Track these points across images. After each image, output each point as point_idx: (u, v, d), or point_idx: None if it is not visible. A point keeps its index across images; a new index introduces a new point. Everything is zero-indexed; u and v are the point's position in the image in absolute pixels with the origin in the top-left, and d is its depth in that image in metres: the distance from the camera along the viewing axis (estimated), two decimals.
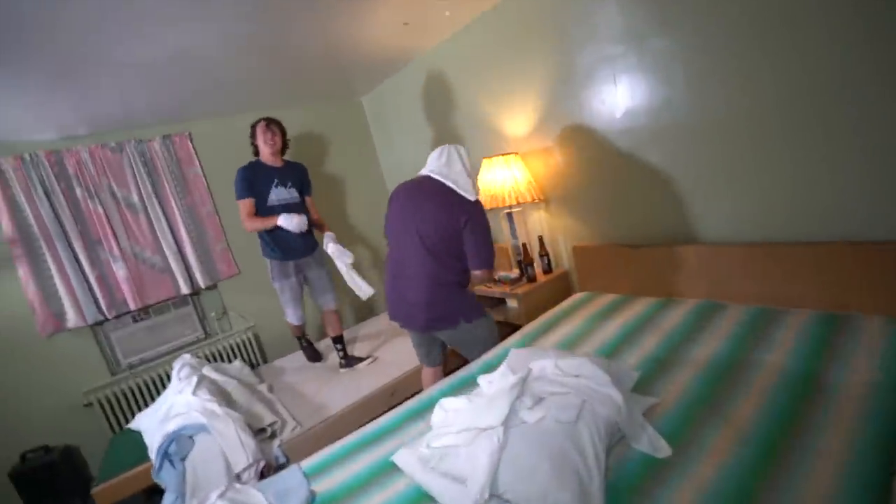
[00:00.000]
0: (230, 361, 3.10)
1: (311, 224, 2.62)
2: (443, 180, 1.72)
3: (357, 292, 2.46)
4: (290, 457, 1.98)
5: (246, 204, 2.45)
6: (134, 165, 2.84)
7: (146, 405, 2.81)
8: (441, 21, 2.46)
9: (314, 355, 2.87)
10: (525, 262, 2.42)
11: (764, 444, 1.06)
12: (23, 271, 2.55)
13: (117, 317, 2.86)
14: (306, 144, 3.54)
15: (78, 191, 2.70)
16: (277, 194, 2.52)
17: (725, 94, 1.68)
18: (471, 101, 2.79)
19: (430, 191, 1.74)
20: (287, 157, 2.71)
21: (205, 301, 3.17)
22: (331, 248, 2.52)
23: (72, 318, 2.67)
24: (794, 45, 1.48)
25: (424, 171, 1.80)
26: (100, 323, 2.82)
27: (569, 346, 1.81)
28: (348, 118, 3.80)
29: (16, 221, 2.55)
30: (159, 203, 2.92)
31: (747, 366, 1.37)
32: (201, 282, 3.03)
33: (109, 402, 2.75)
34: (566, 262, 2.57)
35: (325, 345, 3.09)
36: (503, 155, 2.39)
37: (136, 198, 2.86)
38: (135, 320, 2.95)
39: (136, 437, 2.22)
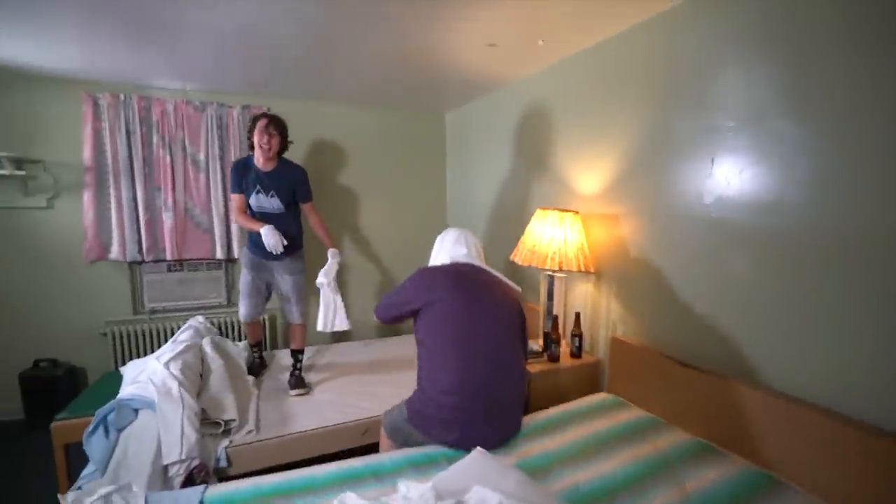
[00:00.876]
0: (240, 336, 3.10)
1: (293, 236, 2.44)
2: (491, 271, 1.77)
3: (325, 322, 2.42)
4: (232, 462, 1.84)
5: (235, 199, 2.43)
6: (209, 126, 2.95)
7: (153, 350, 2.88)
8: (534, 50, 2.23)
9: (253, 371, 2.56)
10: (553, 338, 2.08)
11: None
12: (87, 198, 2.73)
13: (155, 262, 2.97)
14: (377, 145, 3.49)
15: (155, 137, 2.85)
16: (257, 201, 2.38)
17: (861, 206, 1.24)
18: (546, 142, 2.51)
19: (490, 282, 1.71)
20: (298, 156, 2.64)
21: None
22: (329, 262, 2.43)
23: (115, 251, 2.81)
24: None
25: (461, 259, 1.77)
26: (138, 263, 2.95)
27: (567, 460, 1.46)
28: (427, 130, 3.71)
29: (95, 152, 2.74)
30: (221, 167, 3.00)
31: None
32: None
33: (123, 336, 2.85)
34: (601, 352, 2.18)
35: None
36: (561, 210, 2.08)
37: (202, 156, 2.96)
38: (169, 269, 3.05)
39: (120, 381, 2.23)
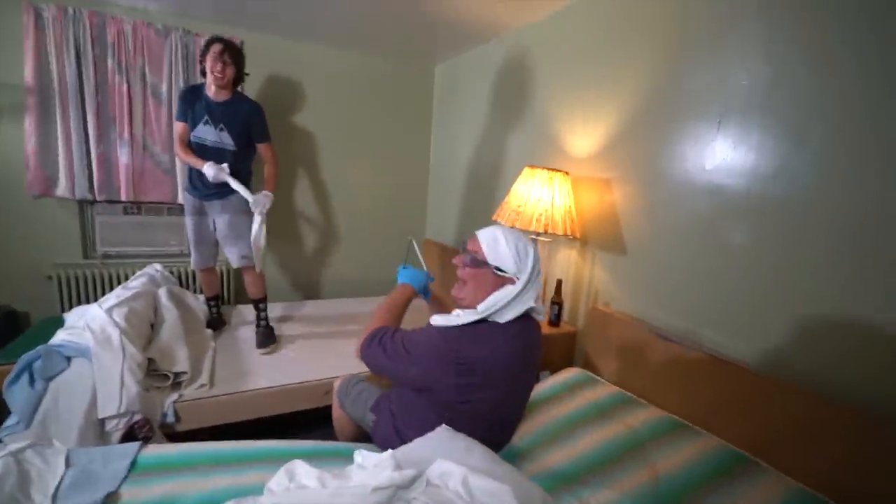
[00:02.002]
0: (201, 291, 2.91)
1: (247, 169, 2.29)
2: (535, 313, 1.19)
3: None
4: (181, 418, 1.71)
5: (177, 127, 2.21)
6: (173, 55, 2.65)
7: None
8: None
9: (213, 324, 2.42)
10: (554, 303, 1.97)
11: None
12: (29, 124, 2.44)
13: (108, 202, 2.72)
14: (361, 93, 3.25)
15: (109, 62, 2.54)
16: (202, 132, 2.15)
17: (877, 179, 1.14)
18: (541, 98, 2.33)
19: (534, 344, 1.22)
20: (258, 92, 2.37)
21: None
22: (259, 197, 2.15)
23: (62, 187, 2.54)
24: None
25: (522, 307, 1.13)
26: (89, 202, 2.70)
27: (540, 443, 1.37)
28: (416, 82, 3.46)
29: (39, 72, 2.42)
30: None
31: None
32: None
33: (70, 281, 2.63)
34: (580, 322, 2.09)
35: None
36: (551, 170, 1.93)
37: (164, 88, 2.67)
38: (125, 212, 2.81)
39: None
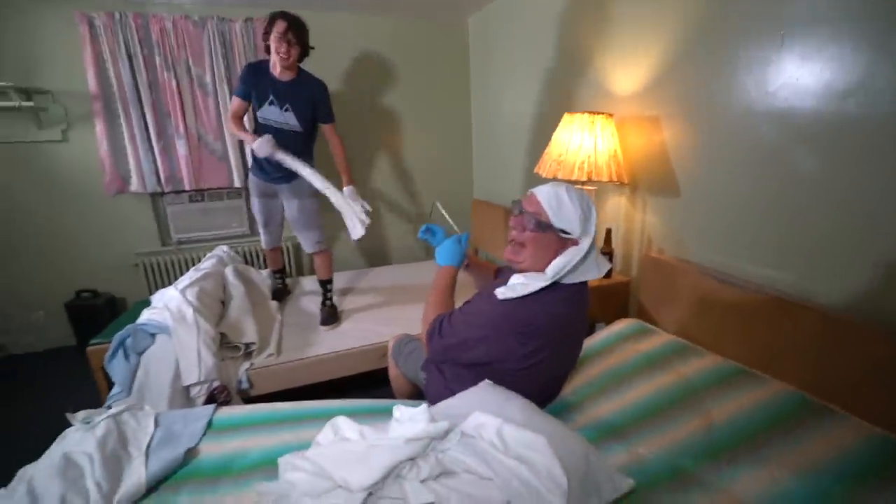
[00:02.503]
0: (263, 264, 3.12)
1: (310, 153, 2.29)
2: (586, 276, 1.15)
3: (352, 229, 2.12)
4: (254, 384, 1.88)
5: (233, 102, 2.17)
6: (212, 44, 2.75)
7: None
8: None
9: (276, 296, 2.56)
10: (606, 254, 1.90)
11: None
12: (99, 128, 2.67)
13: (175, 193, 2.95)
14: (392, 58, 3.19)
15: (157, 59, 2.69)
16: (269, 113, 2.14)
17: None
18: (581, 37, 2.16)
19: (585, 310, 1.23)
20: (314, 67, 2.27)
21: None
22: (346, 191, 2.21)
23: (135, 183, 2.79)
24: None
25: (595, 273, 1.14)
26: (159, 194, 2.94)
27: (591, 395, 1.36)
28: (447, 39, 3.33)
29: (99, 78, 2.63)
30: (229, 90, 2.83)
31: None
32: None
33: (154, 267, 2.93)
34: (634, 272, 1.99)
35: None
36: (591, 113, 1.80)
37: (209, 78, 2.80)
38: (190, 200, 3.03)
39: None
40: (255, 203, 2.40)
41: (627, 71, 1.89)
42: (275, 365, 1.94)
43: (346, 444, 0.85)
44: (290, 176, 2.23)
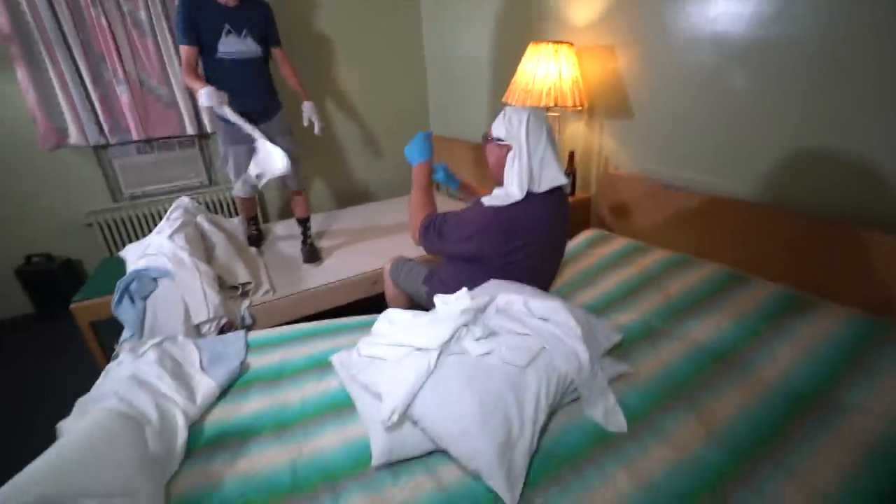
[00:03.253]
0: (228, 213, 3.07)
1: (271, 90, 2.25)
2: (563, 182, 1.33)
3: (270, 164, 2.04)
4: (257, 320, 1.98)
5: (183, 51, 1.96)
6: None
7: (143, 236, 2.86)
8: None
9: (253, 241, 2.57)
10: (568, 173, 2.12)
11: (729, 453, 0.89)
12: (21, 75, 2.41)
13: (121, 144, 2.78)
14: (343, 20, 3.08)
15: None
16: (229, 45, 2.01)
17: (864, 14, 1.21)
18: None
19: (563, 215, 1.41)
20: None
21: (213, 147, 3.03)
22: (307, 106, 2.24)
23: (73, 135, 2.58)
24: None
25: (548, 184, 1.30)
26: (103, 147, 2.75)
27: (565, 293, 1.62)
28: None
29: (11, 16, 2.34)
30: (170, 28, 2.64)
31: (747, 361, 1.16)
32: (209, 126, 2.87)
33: (109, 225, 2.79)
34: (593, 188, 2.26)
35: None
36: (555, 43, 1.96)
37: (143, 15, 2.57)
38: (139, 152, 2.87)
39: (123, 264, 2.26)
40: (229, 151, 2.33)
41: (584, 2, 2.04)
42: (273, 300, 2.04)
43: (408, 324, 1.03)
44: (269, 112, 2.21)
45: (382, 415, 0.86)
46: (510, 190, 1.27)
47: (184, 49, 2.01)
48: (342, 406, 1.07)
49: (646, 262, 1.71)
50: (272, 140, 2.13)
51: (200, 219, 2.41)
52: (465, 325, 0.97)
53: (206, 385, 1.13)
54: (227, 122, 2.13)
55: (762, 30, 1.45)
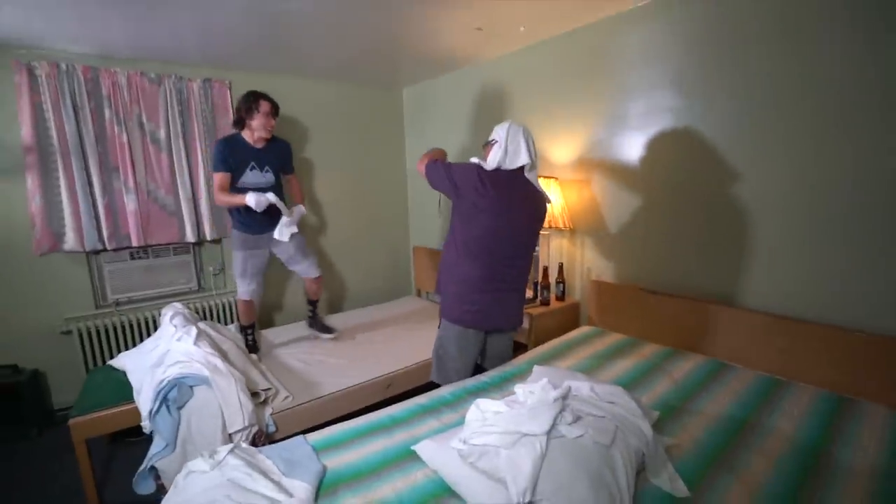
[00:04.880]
0: (218, 320, 3.03)
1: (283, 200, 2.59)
2: (536, 184, 1.83)
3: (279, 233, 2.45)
4: (279, 427, 1.95)
5: (219, 177, 2.40)
6: (169, 101, 2.77)
7: (126, 344, 2.72)
8: (513, 34, 2.51)
9: (250, 348, 2.59)
10: (542, 285, 2.46)
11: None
12: (31, 182, 2.44)
13: (116, 250, 2.76)
14: (335, 118, 3.50)
15: (107, 113, 2.61)
16: (251, 177, 2.46)
17: (793, 164, 1.71)
18: (519, 119, 2.83)
19: (532, 196, 1.82)
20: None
21: (205, 254, 3.09)
22: (295, 212, 2.54)
23: (70, 241, 2.56)
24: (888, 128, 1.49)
25: (520, 162, 1.75)
26: (97, 252, 2.72)
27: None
28: (385, 104, 3.80)
29: (37, 130, 2.44)
30: (185, 145, 2.84)
31: (757, 428, 1.43)
32: (208, 233, 2.96)
33: (89, 333, 2.64)
34: (578, 294, 2.62)
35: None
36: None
37: (162, 134, 2.78)
38: (132, 257, 2.85)
39: (117, 375, 2.15)
40: (241, 256, 2.50)
41: (562, 146, 2.59)
42: (293, 407, 2.02)
43: (507, 412, 1.18)
44: (275, 222, 2.45)
45: (513, 496, 0.98)
46: (489, 163, 1.77)
47: (219, 175, 2.41)
48: (441, 495, 1.15)
49: (643, 353, 2.02)
50: (277, 245, 2.59)
51: (203, 325, 2.40)
52: (560, 411, 1.15)
53: (299, 487, 1.15)
54: (247, 229, 2.48)
55: (708, 175, 1.99)
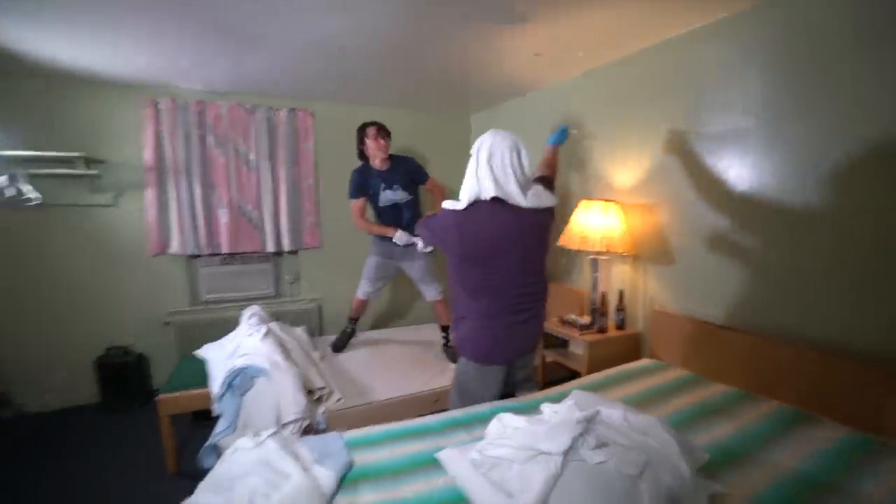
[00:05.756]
0: (290, 324, 3.29)
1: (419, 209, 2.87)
2: (529, 202, 1.56)
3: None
4: (329, 425, 2.06)
5: (357, 204, 2.76)
6: (258, 128, 3.15)
7: (211, 338, 3.03)
8: (572, 60, 2.52)
9: (340, 343, 2.90)
10: (600, 312, 2.37)
11: None
12: (149, 197, 2.90)
13: (209, 255, 3.15)
14: (407, 145, 3.69)
15: (210, 139, 3.03)
16: (386, 197, 2.74)
17: (868, 192, 1.56)
18: (581, 142, 2.81)
19: (529, 225, 1.60)
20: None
21: (283, 264, 3.40)
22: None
23: (174, 246, 2.98)
24: None
25: (506, 195, 1.53)
26: (194, 256, 3.12)
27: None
28: (454, 132, 3.95)
29: (156, 153, 2.91)
30: (271, 167, 3.20)
31: (841, 492, 1.23)
32: (286, 245, 3.27)
33: (185, 326, 3.02)
34: (640, 325, 2.48)
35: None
36: (604, 200, 2.38)
37: (253, 156, 3.16)
38: (222, 263, 3.22)
39: (200, 364, 2.42)
40: (374, 261, 2.85)
41: (625, 167, 2.51)
42: (343, 409, 2.14)
43: (527, 428, 1.17)
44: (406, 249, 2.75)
45: None
46: (461, 200, 1.60)
47: (354, 203, 2.78)
48: (457, 502, 1.16)
49: (707, 392, 1.85)
50: (409, 263, 2.84)
51: (273, 325, 2.63)
52: (581, 434, 1.11)
53: (324, 474, 1.23)
54: (382, 242, 2.81)
55: (769, 194, 1.81)
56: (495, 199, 1.53)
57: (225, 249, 3.10)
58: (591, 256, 2.47)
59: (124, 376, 2.76)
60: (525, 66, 2.63)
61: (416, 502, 1.18)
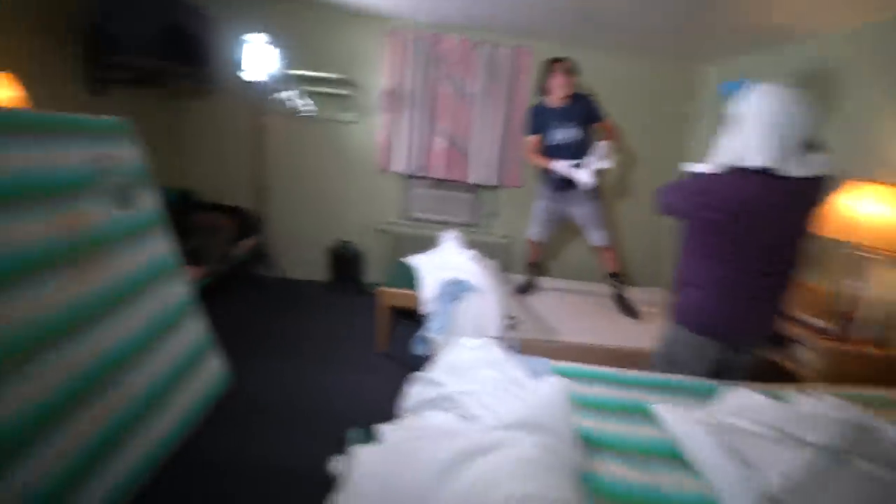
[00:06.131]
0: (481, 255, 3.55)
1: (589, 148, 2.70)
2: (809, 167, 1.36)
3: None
4: (522, 352, 2.23)
5: (531, 140, 2.81)
6: (480, 63, 3.26)
7: (414, 250, 3.42)
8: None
9: (526, 287, 3.01)
10: (845, 318, 1.99)
11: None
12: (383, 118, 3.32)
13: (422, 178, 3.52)
14: (622, 96, 3.41)
15: (438, 71, 3.27)
16: (558, 135, 2.70)
17: None
18: (855, 108, 2.24)
19: (803, 190, 1.41)
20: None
21: (484, 196, 3.61)
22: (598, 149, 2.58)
23: (397, 165, 3.40)
24: None
25: (761, 162, 1.35)
26: (410, 177, 3.53)
27: None
28: (680, 83, 3.51)
29: (394, 80, 3.27)
30: (487, 101, 3.32)
31: None
32: (489, 179, 3.45)
33: (394, 235, 3.52)
34: None
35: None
36: (889, 185, 1.90)
37: (471, 90, 3.31)
38: (431, 186, 3.58)
39: (408, 269, 2.79)
40: (543, 204, 2.91)
41: None
42: (531, 340, 2.27)
43: (780, 408, 1.12)
44: (573, 185, 2.68)
45: (760, 488, 0.94)
46: (717, 162, 1.49)
47: (532, 138, 2.82)
48: (664, 455, 1.18)
49: None
50: (577, 205, 2.81)
51: (470, 253, 2.86)
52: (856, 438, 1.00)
53: (549, 381, 1.35)
54: (549, 184, 2.82)
55: None
56: (761, 168, 1.36)
57: (436, 174, 3.42)
58: (855, 251, 2.04)
59: (346, 266, 3.39)
60: (791, 7, 2.15)
61: (621, 438, 1.24)
